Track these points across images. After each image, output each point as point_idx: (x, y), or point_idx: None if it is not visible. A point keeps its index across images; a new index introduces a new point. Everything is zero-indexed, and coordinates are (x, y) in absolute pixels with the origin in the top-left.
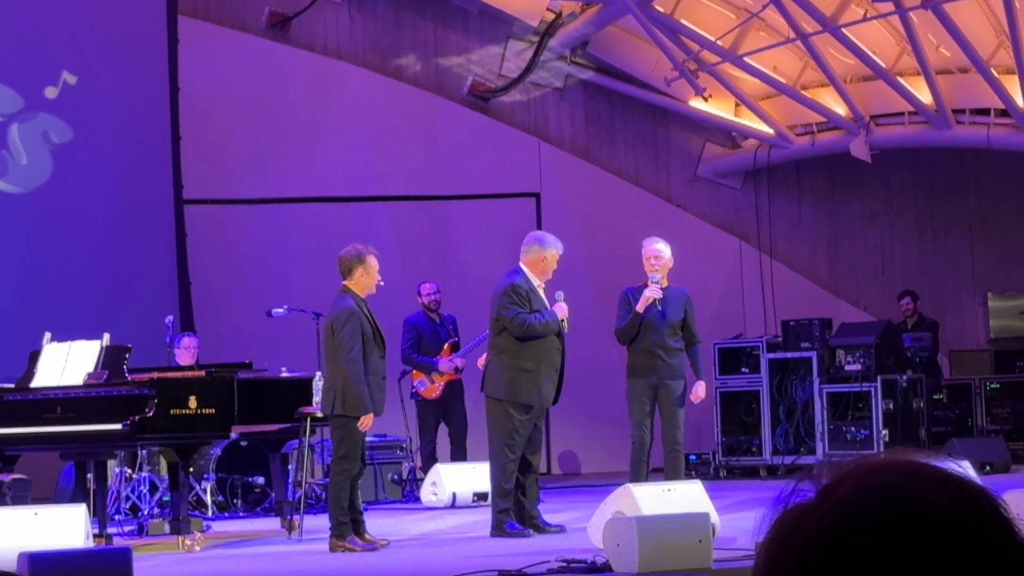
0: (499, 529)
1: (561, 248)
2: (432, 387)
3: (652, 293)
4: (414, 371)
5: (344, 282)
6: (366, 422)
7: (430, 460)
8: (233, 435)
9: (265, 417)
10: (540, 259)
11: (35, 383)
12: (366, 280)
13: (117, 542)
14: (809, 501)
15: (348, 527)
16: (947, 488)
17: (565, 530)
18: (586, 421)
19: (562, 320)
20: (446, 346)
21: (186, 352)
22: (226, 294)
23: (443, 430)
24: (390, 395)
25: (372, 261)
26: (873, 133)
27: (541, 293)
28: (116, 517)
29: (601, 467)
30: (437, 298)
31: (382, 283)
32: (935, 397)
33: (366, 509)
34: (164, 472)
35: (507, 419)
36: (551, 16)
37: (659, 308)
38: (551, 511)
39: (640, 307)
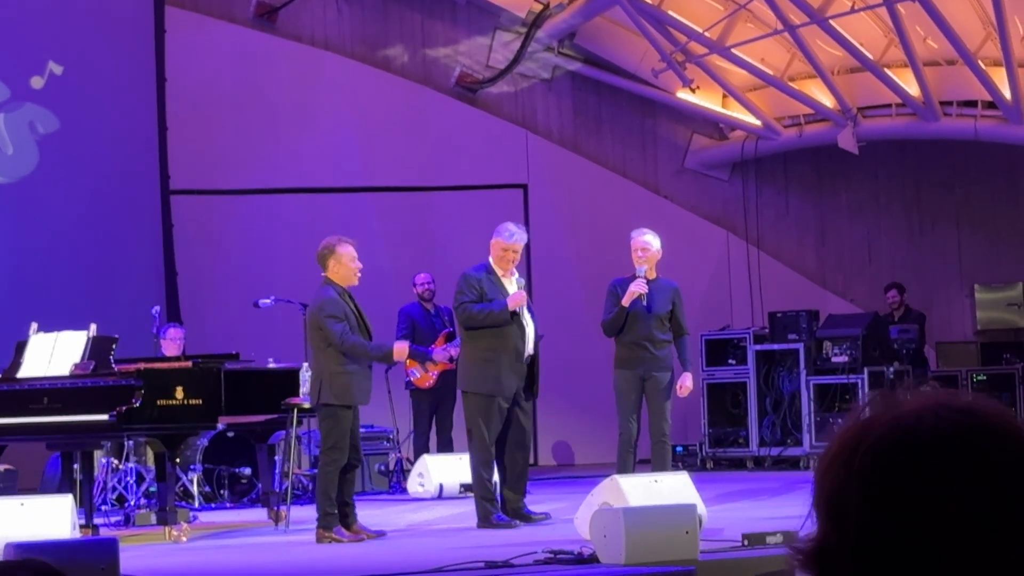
0: (486, 520)
1: (512, 238)
2: (426, 376)
3: (638, 288)
4: (408, 360)
5: (324, 274)
6: (401, 350)
7: (423, 450)
8: (220, 426)
9: (252, 408)
10: (491, 247)
11: (21, 374)
12: (341, 270)
13: (104, 533)
14: (881, 410)
15: (335, 518)
16: (1011, 422)
17: (550, 517)
18: (578, 412)
19: (513, 308)
20: (441, 336)
21: (172, 343)
22: (213, 285)
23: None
24: (377, 386)
25: (344, 251)
26: (860, 125)
27: (506, 283)
28: (103, 508)
29: (595, 458)
30: (431, 288)
31: (359, 272)
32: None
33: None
34: (151, 463)
35: (475, 410)
36: (538, 7)
37: (644, 304)
38: (539, 502)
39: (626, 301)
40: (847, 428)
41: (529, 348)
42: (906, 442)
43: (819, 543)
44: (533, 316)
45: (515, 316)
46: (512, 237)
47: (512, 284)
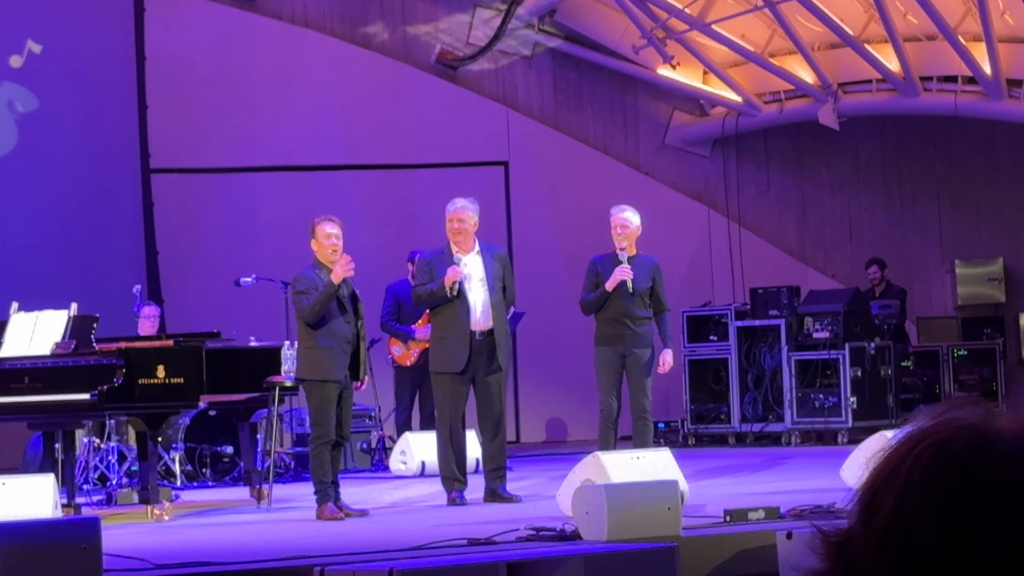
0: (448, 499)
1: (452, 206)
2: (407, 354)
3: (623, 275)
4: (391, 338)
5: None
6: (343, 266)
7: (405, 427)
8: (202, 404)
9: (234, 386)
10: None
11: (2, 353)
12: (318, 248)
13: (86, 512)
14: (963, 413)
15: (325, 495)
16: None
17: (521, 500)
18: (562, 388)
19: (451, 285)
20: (425, 315)
21: (147, 321)
22: (194, 263)
23: None
24: None
25: (319, 228)
26: (841, 101)
27: (468, 259)
28: (84, 487)
29: (587, 435)
30: None
31: (335, 248)
32: (903, 364)
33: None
34: (132, 442)
35: (435, 388)
36: None
37: (630, 291)
38: (525, 479)
39: (609, 286)
40: (921, 424)
41: (479, 322)
42: (973, 452)
43: (848, 531)
44: (491, 287)
45: (460, 292)
46: (452, 206)
47: (475, 259)
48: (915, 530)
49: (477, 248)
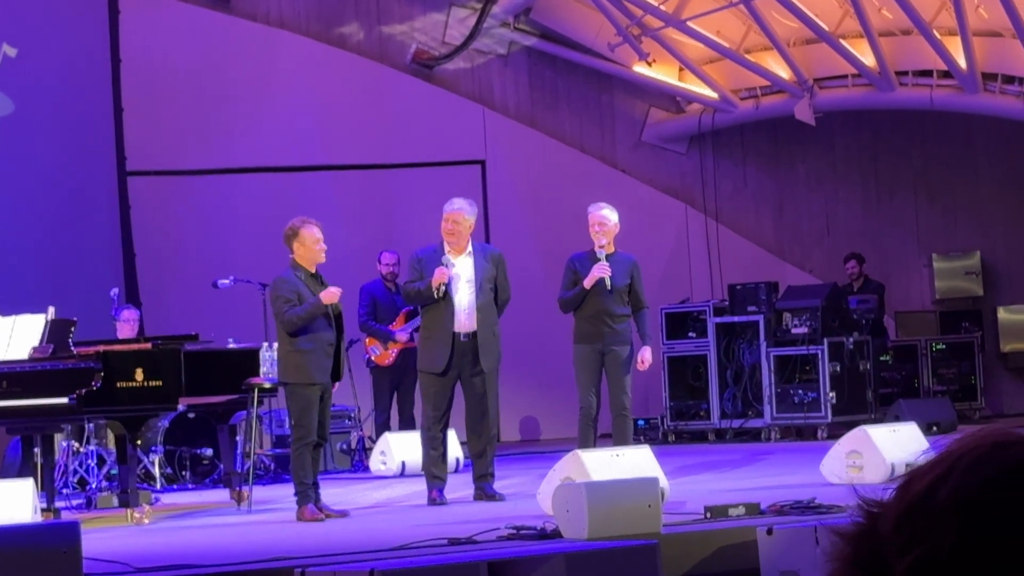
0: (429, 497)
1: (450, 206)
2: (385, 354)
3: (601, 272)
4: (368, 338)
5: (291, 255)
6: (330, 296)
7: (384, 428)
8: (180, 407)
9: (212, 388)
10: None
11: None
12: (304, 252)
13: (65, 516)
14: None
15: (306, 496)
16: None
17: (505, 498)
18: (540, 387)
19: (437, 285)
20: (401, 315)
21: (126, 325)
22: (172, 266)
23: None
24: None
25: (306, 232)
26: (817, 96)
27: (460, 260)
28: (64, 491)
29: (560, 433)
30: (396, 269)
31: (323, 252)
32: (881, 359)
33: None
34: (112, 445)
35: (420, 388)
36: None
37: (608, 289)
38: (503, 477)
39: (588, 283)
40: (987, 426)
41: (463, 323)
42: (993, 460)
43: (884, 501)
44: (478, 289)
45: (447, 293)
46: (449, 206)
47: (465, 261)
48: (943, 512)
49: (470, 249)
